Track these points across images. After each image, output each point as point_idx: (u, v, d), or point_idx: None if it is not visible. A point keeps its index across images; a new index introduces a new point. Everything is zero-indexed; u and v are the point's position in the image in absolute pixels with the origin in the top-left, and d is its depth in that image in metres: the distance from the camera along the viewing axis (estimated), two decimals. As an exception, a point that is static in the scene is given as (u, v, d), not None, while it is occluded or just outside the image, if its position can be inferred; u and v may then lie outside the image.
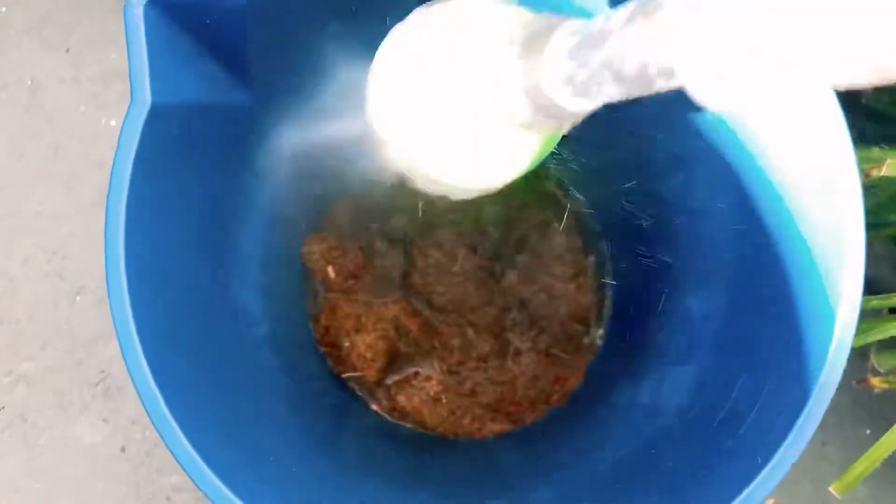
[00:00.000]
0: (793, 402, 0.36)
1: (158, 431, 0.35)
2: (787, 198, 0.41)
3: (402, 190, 0.64)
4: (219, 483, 0.34)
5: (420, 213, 0.66)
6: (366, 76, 0.34)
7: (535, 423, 0.64)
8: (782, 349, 0.40)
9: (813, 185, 0.39)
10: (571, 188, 0.67)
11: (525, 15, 0.30)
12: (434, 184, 0.34)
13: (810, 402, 0.35)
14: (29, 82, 0.74)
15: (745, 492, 0.37)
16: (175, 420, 0.35)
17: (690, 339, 0.52)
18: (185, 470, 0.35)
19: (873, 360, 0.60)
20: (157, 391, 0.35)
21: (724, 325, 0.48)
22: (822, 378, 0.36)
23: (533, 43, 0.27)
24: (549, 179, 0.67)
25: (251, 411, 0.46)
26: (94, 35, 0.74)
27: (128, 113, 0.37)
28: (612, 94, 0.24)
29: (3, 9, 0.74)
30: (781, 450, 0.36)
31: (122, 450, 0.69)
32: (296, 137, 0.54)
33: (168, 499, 0.68)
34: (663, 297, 0.57)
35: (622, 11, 0.23)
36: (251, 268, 0.53)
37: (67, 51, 0.74)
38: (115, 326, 0.35)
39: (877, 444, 0.48)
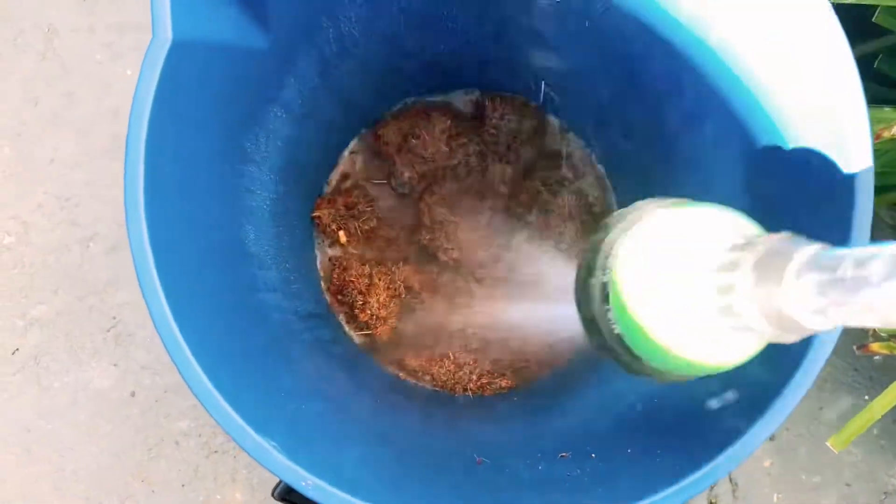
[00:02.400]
0: (793, 352, 0.37)
1: (173, 360, 0.36)
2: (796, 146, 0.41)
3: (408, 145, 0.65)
4: (231, 411, 0.35)
5: (426, 167, 0.66)
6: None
7: (538, 380, 0.65)
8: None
9: (824, 142, 0.39)
10: (585, 148, 0.68)
11: (747, 228, 0.32)
12: (663, 372, 0.36)
13: (803, 365, 0.36)
14: (45, 29, 0.74)
15: (738, 443, 0.37)
16: (191, 352, 0.36)
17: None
18: (196, 397, 0.36)
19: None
20: (174, 324, 0.36)
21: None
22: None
23: (766, 272, 0.28)
24: (562, 138, 0.68)
25: (264, 349, 0.46)
26: (110, -17, 0.74)
27: (148, 49, 0.37)
28: (869, 322, 0.25)
29: (20, -45, 0.75)
30: (773, 406, 0.37)
31: (132, 394, 0.70)
32: (305, 89, 0.55)
33: (177, 443, 0.70)
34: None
35: (877, 263, 0.24)
36: (263, 214, 0.53)
37: (84, 0, 0.74)
38: (133, 261, 0.36)
39: (874, 401, 0.49)
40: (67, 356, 0.71)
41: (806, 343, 0.37)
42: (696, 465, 0.37)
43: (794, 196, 0.42)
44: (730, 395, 0.41)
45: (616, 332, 0.35)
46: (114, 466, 0.70)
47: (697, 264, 0.32)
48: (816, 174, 0.39)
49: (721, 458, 0.37)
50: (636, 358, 0.35)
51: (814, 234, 0.28)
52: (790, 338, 0.29)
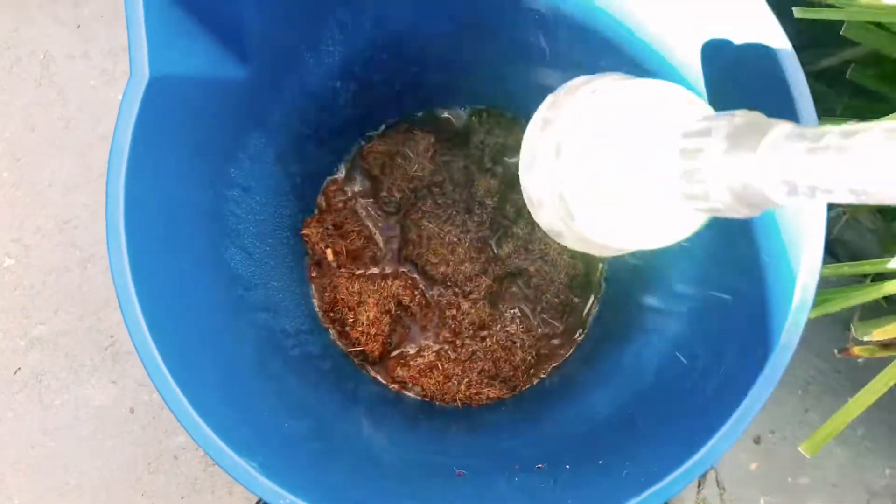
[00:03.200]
0: (755, 362, 0.38)
1: (153, 382, 0.37)
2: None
3: (395, 164, 0.67)
4: (209, 432, 0.37)
5: (412, 185, 0.68)
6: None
7: (526, 390, 0.66)
8: (749, 311, 0.42)
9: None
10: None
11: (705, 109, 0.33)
12: (588, 244, 0.37)
13: (771, 359, 0.37)
14: (41, 57, 0.76)
15: (710, 443, 0.38)
16: (174, 379, 0.37)
17: (669, 303, 0.54)
18: (184, 428, 0.37)
19: (853, 329, 0.61)
20: (156, 352, 0.37)
21: (699, 289, 0.50)
22: (783, 338, 0.37)
23: (741, 140, 0.28)
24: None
25: (249, 368, 0.48)
26: (103, 12, 0.76)
27: (126, 86, 0.39)
28: (843, 199, 0.25)
29: (16, -15, 0.77)
30: (743, 405, 0.38)
31: (131, 411, 0.72)
32: (289, 115, 0.56)
33: (175, 457, 0.71)
34: (651, 267, 0.59)
35: (867, 134, 0.23)
36: (249, 236, 0.55)
37: (78, 27, 0.76)
38: (116, 291, 0.38)
39: (845, 405, 0.50)
40: (67, 374, 0.73)
41: (771, 338, 0.38)
42: (661, 474, 0.39)
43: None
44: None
45: (561, 192, 0.35)
46: (116, 480, 0.71)
47: (655, 128, 0.32)
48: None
49: (686, 466, 0.39)
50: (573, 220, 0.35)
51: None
52: (745, 212, 0.29)
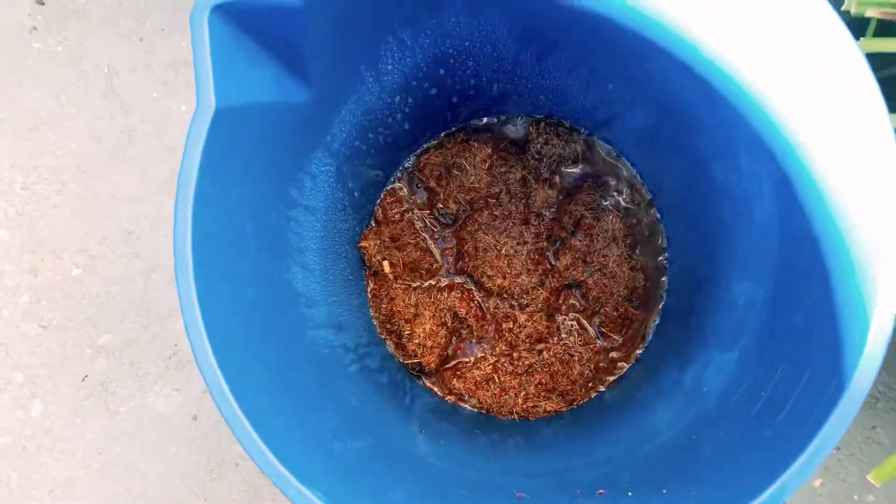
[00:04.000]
0: (827, 397, 0.37)
1: (219, 409, 0.38)
2: (826, 189, 0.42)
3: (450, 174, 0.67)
4: (275, 461, 0.37)
5: (469, 196, 0.68)
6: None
7: (584, 404, 0.66)
8: (819, 343, 0.40)
9: (853, 182, 0.39)
10: (633, 171, 0.68)
11: None
12: None
13: (843, 399, 0.36)
14: (105, 70, 0.78)
15: (779, 482, 0.37)
16: (241, 410, 0.38)
17: (735, 326, 0.52)
18: (242, 446, 0.38)
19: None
20: (223, 382, 0.38)
21: (767, 315, 0.49)
22: (855, 380, 0.36)
23: None
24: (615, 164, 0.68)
25: (311, 388, 0.48)
26: (164, 25, 0.78)
27: (193, 118, 0.39)
28: None
29: (82, 0, 0.78)
30: (814, 443, 0.37)
31: (194, 418, 0.73)
32: (349, 132, 0.56)
33: (237, 464, 0.73)
34: (713, 283, 0.58)
35: None
36: (310, 253, 0.56)
37: (141, 40, 0.78)
38: (183, 320, 0.38)
39: None
40: (132, 382, 0.74)
41: (844, 376, 0.37)
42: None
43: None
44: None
45: None
46: (178, 487, 0.73)
47: None
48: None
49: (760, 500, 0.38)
50: None
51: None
52: None
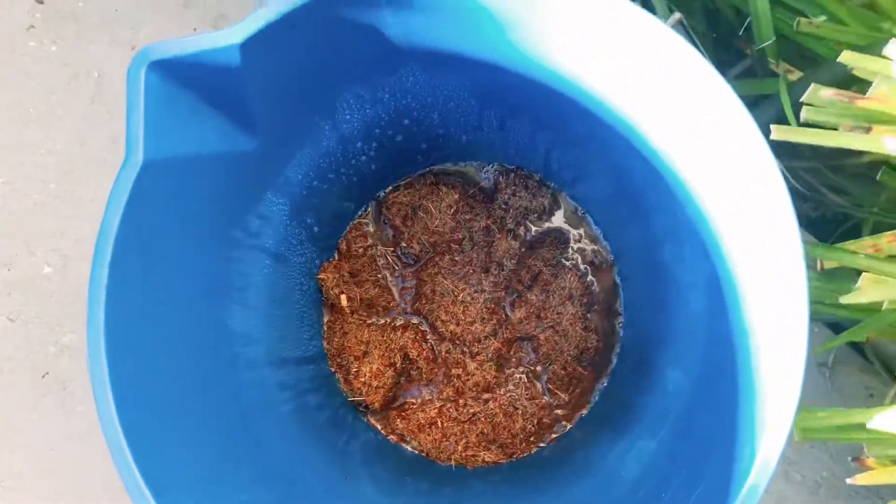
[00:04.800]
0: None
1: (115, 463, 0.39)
2: (743, 301, 0.41)
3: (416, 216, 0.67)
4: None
5: (432, 239, 0.68)
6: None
7: (521, 458, 0.66)
8: (717, 456, 0.40)
9: (764, 303, 0.39)
10: (595, 229, 0.68)
11: None
12: None
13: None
14: (96, 75, 0.79)
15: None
16: (134, 461, 0.39)
17: (661, 413, 0.52)
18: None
19: (866, 447, 0.58)
20: (119, 429, 0.39)
21: (685, 409, 0.49)
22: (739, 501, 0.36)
23: None
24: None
25: (228, 434, 0.49)
26: (158, 35, 0.79)
27: (119, 172, 0.40)
28: None
29: (81, 3, 0.80)
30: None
31: (146, 426, 0.75)
32: (305, 174, 0.57)
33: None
34: (655, 362, 0.58)
35: None
36: (252, 290, 0.56)
37: (133, 48, 0.79)
38: (88, 360, 0.39)
39: None
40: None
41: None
42: None
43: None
44: None
45: None
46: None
47: None
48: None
49: None
50: None
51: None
52: None
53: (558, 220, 0.69)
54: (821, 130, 0.44)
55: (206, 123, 0.45)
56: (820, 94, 0.42)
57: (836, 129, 0.45)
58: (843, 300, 0.44)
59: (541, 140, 0.61)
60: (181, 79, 0.42)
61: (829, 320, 0.68)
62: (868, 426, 0.46)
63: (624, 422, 0.58)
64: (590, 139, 0.54)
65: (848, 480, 0.57)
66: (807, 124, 0.45)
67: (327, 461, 0.58)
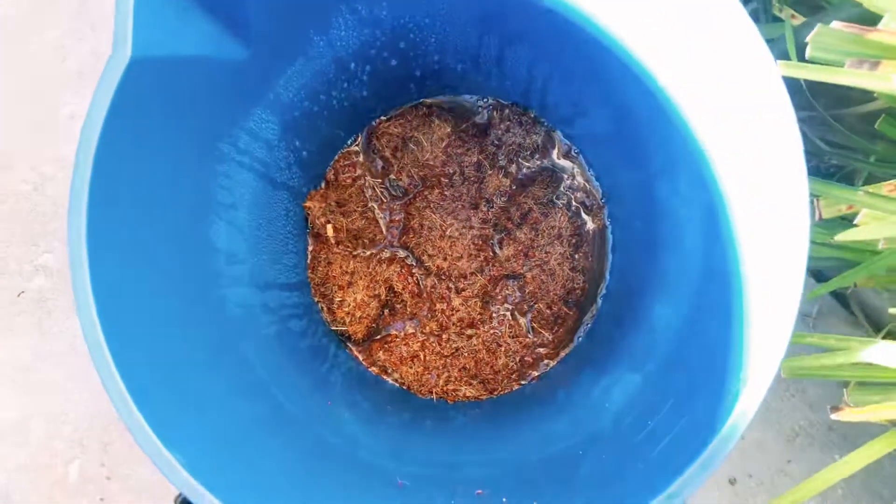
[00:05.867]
0: (698, 443, 0.37)
1: (92, 358, 0.38)
2: (738, 230, 0.41)
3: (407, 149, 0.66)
4: (147, 429, 0.37)
5: (422, 173, 0.67)
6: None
7: (503, 395, 0.66)
8: (705, 386, 0.40)
9: (760, 231, 0.39)
10: (589, 171, 0.67)
11: None
12: None
13: (706, 452, 0.36)
14: (81, -13, 0.76)
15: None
16: (111, 356, 0.38)
17: (647, 348, 0.52)
18: (116, 410, 0.38)
19: (847, 395, 0.59)
20: (101, 334, 0.38)
21: (675, 343, 0.48)
22: (722, 433, 0.36)
23: None
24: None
25: (210, 349, 0.48)
26: None
27: (105, 66, 0.38)
28: None
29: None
30: (680, 479, 0.37)
31: (123, 350, 0.73)
32: (297, 93, 0.55)
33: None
34: (642, 300, 0.58)
35: None
36: (240, 209, 0.55)
37: None
38: (70, 264, 0.38)
39: (830, 465, 0.49)
40: (68, 303, 0.74)
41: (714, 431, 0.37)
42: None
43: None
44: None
45: None
46: (101, 413, 0.74)
47: None
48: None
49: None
50: None
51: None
52: None
53: (551, 158, 0.68)
54: (827, 67, 0.43)
55: (198, 26, 0.43)
56: (831, 25, 0.41)
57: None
58: (840, 237, 0.43)
59: (539, 73, 0.60)
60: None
61: (814, 269, 0.68)
62: (857, 359, 0.45)
63: (608, 359, 0.57)
64: (592, 73, 0.53)
65: (832, 416, 0.57)
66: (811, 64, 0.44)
67: (307, 386, 0.57)
